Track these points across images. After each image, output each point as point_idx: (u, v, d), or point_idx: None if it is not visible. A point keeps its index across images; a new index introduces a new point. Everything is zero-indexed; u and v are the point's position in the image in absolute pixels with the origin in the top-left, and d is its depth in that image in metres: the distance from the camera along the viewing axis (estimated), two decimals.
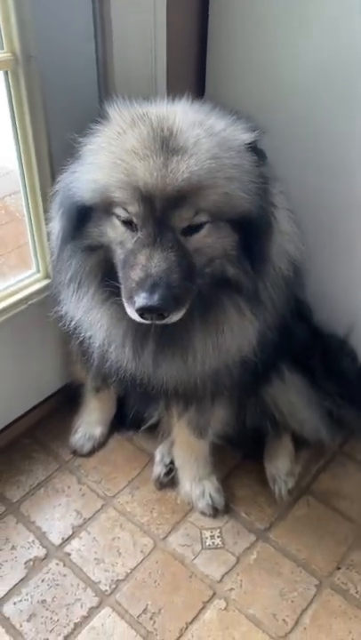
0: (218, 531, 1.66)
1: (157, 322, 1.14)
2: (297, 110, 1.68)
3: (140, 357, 1.34)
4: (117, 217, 1.15)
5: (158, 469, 1.78)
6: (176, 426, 1.72)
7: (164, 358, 1.33)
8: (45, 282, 1.71)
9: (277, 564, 1.59)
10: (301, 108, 1.67)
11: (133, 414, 1.81)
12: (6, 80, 1.39)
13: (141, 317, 1.13)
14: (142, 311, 1.10)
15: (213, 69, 1.79)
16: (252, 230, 1.17)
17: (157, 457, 1.81)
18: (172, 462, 1.78)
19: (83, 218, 1.21)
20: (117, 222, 1.16)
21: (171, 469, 1.77)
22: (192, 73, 1.79)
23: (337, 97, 1.60)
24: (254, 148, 1.18)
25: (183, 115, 1.16)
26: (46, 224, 1.52)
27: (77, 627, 1.45)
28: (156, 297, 1.08)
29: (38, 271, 1.73)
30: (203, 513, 1.70)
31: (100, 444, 1.89)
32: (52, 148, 1.47)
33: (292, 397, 1.74)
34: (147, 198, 1.09)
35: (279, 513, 1.71)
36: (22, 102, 1.40)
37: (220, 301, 1.27)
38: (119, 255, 1.18)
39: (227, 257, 1.20)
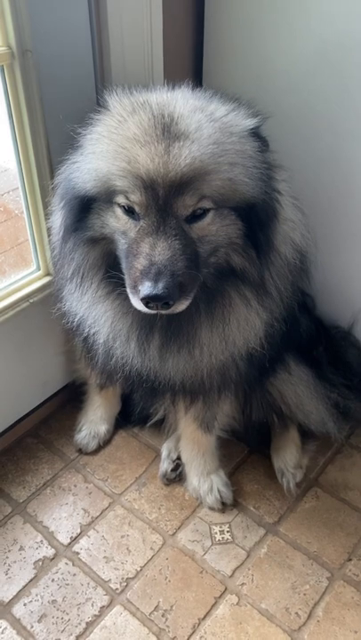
0: (227, 525, 1.65)
1: (163, 311, 1.13)
2: (296, 97, 1.66)
3: (147, 352, 1.32)
4: (120, 206, 1.14)
5: (165, 465, 1.77)
6: (182, 421, 1.71)
7: (171, 352, 1.32)
8: (46, 279, 1.70)
9: (288, 557, 1.58)
10: (301, 95, 1.65)
11: (139, 410, 1.80)
12: (2, 75, 1.37)
13: (146, 307, 1.11)
14: (147, 300, 1.09)
15: (211, 58, 1.77)
16: (256, 217, 1.16)
17: (164, 453, 1.80)
18: (178, 458, 1.77)
19: (84, 209, 1.19)
20: (119, 212, 1.15)
21: (178, 465, 1.76)
22: (189, 62, 1.77)
23: (336, 84, 1.58)
24: (257, 134, 1.17)
25: (184, 101, 1.15)
26: (46, 220, 1.51)
27: (89, 626, 1.44)
28: (160, 285, 1.07)
29: (39, 269, 1.71)
30: (211, 508, 1.68)
31: (106, 442, 1.88)
32: (51, 143, 1.45)
33: (299, 389, 1.73)
34: (149, 186, 1.08)
35: (288, 506, 1.70)
36: (19, 97, 1.38)
37: (225, 292, 1.26)
38: (122, 245, 1.17)
39: (232, 245, 1.19)
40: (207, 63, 1.78)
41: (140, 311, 1.24)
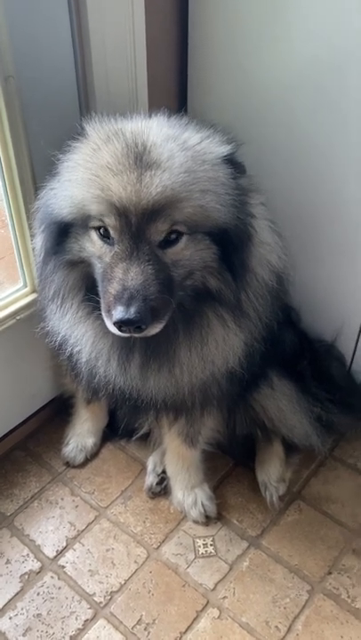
0: (210, 539, 1.68)
1: (135, 335, 1.16)
2: (279, 118, 1.69)
3: (128, 371, 1.35)
4: (95, 230, 1.17)
5: (150, 479, 1.79)
6: (167, 436, 1.73)
7: (151, 371, 1.34)
8: (33, 296, 1.72)
9: (270, 570, 1.61)
10: (284, 115, 1.68)
11: (124, 425, 1.82)
12: None
13: (119, 330, 1.14)
14: (120, 324, 1.12)
15: (195, 79, 1.80)
16: (230, 242, 1.19)
17: (149, 466, 1.82)
18: (164, 471, 1.79)
19: (63, 233, 1.23)
20: (95, 237, 1.18)
21: (163, 478, 1.79)
22: (174, 84, 1.80)
23: (318, 103, 1.61)
24: (231, 161, 1.19)
25: (158, 129, 1.18)
26: (31, 238, 1.53)
27: (73, 639, 1.46)
28: (133, 310, 1.09)
29: (25, 286, 1.74)
30: (195, 521, 1.71)
31: (93, 455, 1.90)
32: (35, 166, 1.48)
33: (282, 404, 1.75)
34: (122, 213, 1.11)
35: (271, 519, 1.73)
36: (2, 122, 1.41)
37: (203, 313, 1.29)
38: (98, 269, 1.20)
39: (207, 269, 1.22)
40: (192, 83, 1.81)
41: None
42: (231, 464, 1.88)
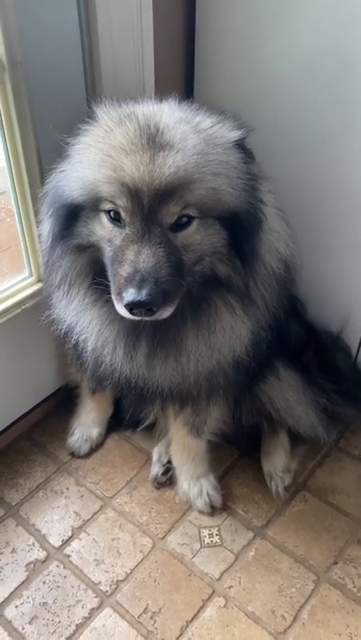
0: (216, 529, 1.68)
1: (146, 318, 1.15)
2: (286, 107, 1.68)
3: (134, 360, 1.35)
4: (106, 213, 1.16)
5: (156, 469, 1.79)
6: (173, 426, 1.73)
7: (158, 359, 1.34)
8: (38, 285, 1.71)
9: (275, 560, 1.60)
10: (291, 104, 1.67)
11: (130, 415, 1.82)
12: None
13: (130, 313, 1.13)
14: (131, 306, 1.11)
15: (202, 68, 1.79)
16: (241, 227, 1.18)
17: (155, 456, 1.82)
18: (169, 461, 1.79)
19: (72, 217, 1.22)
20: (105, 219, 1.17)
21: (168, 469, 1.78)
22: (180, 72, 1.79)
23: (325, 93, 1.60)
24: (241, 146, 1.19)
25: (170, 113, 1.17)
26: (37, 226, 1.53)
27: (79, 628, 1.46)
28: (144, 292, 1.09)
29: (31, 275, 1.73)
30: (201, 511, 1.71)
31: (98, 445, 1.90)
32: (42, 152, 1.47)
33: (288, 394, 1.75)
34: (134, 193, 1.10)
35: (276, 509, 1.73)
36: (9, 108, 1.40)
37: (211, 301, 1.28)
38: (108, 253, 1.19)
39: (216, 254, 1.21)
40: (198, 72, 1.80)
41: (126, 319, 1.26)
42: (236, 455, 1.88)
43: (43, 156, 1.46)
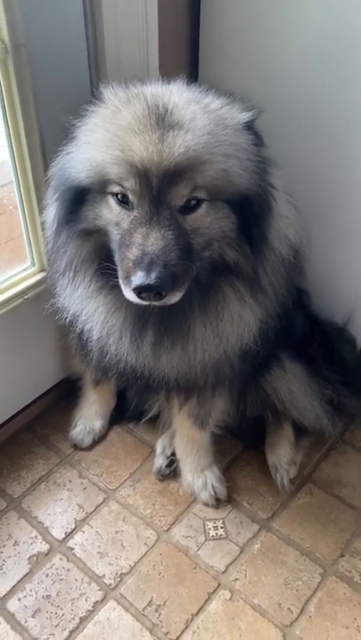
0: (221, 521, 1.66)
1: (155, 302, 1.12)
2: (295, 91, 1.64)
3: (140, 349, 1.32)
4: (113, 195, 1.14)
5: (160, 461, 1.77)
6: (177, 417, 1.71)
7: (165, 348, 1.32)
8: (41, 275, 1.69)
9: (281, 553, 1.59)
10: (299, 88, 1.63)
11: (134, 406, 1.80)
12: None
13: (139, 297, 1.11)
14: (139, 290, 1.08)
15: (207, 50, 1.75)
16: (250, 211, 1.16)
17: (158, 449, 1.80)
18: (173, 454, 1.77)
19: (78, 201, 1.19)
20: (113, 202, 1.15)
21: (172, 461, 1.76)
22: (185, 55, 1.75)
23: (336, 76, 1.56)
24: (251, 128, 1.17)
25: (179, 93, 1.15)
26: (40, 214, 1.50)
27: (83, 621, 1.44)
28: (153, 275, 1.06)
29: (33, 264, 1.71)
30: (205, 504, 1.69)
31: (101, 437, 1.88)
32: (45, 137, 1.44)
33: (293, 386, 1.73)
34: (143, 174, 1.08)
35: (282, 502, 1.71)
36: (12, 92, 1.37)
37: (219, 288, 1.26)
38: (115, 236, 1.17)
39: (225, 239, 1.19)
40: (203, 56, 1.76)
41: (132, 306, 1.24)
42: (240, 447, 1.86)
43: (46, 139, 1.43)
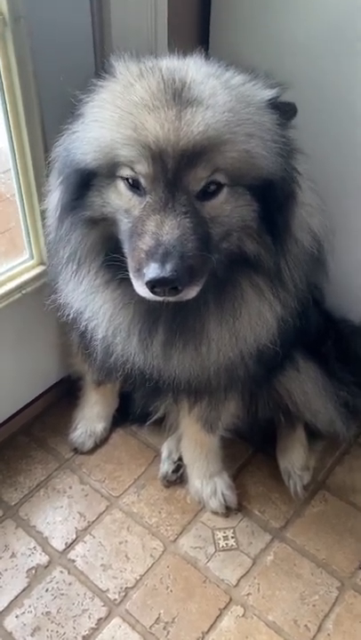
0: (231, 531, 1.57)
1: (170, 298, 1.02)
2: (310, 73, 1.53)
3: (149, 349, 1.22)
4: (123, 179, 1.03)
5: (166, 466, 1.68)
6: (184, 420, 1.62)
7: (176, 349, 1.22)
8: (40, 269, 1.59)
9: (296, 564, 1.50)
10: (314, 70, 1.52)
11: (138, 408, 1.70)
12: None
13: (152, 292, 1.00)
14: (153, 284, 0.98)
15: (217, 29, 1.65)
16: (274, 198, 1.06)
17: (164, 453, 1.71)
18: (180, 459, 1.68)
19: (84, 185, 1.08)
20: (123, 187, 1.04)
21: (179, 466, 1.67)
22: (195, 28, 1.65)
23: (353, 59, 1.46)
24: (277, 106, 1.06)
25: (196, 67, 1.05)
26: (40, 203, 1.40)
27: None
28: (168, 267, 0.96)
29: (32, 257, 1.61)
30: (215, 512, 1.60)
31: (103, 441, 1.78)
32: (45, 117, 1.34)
33: (307, 387, 1.64)
34: (157, 156, 0.97)
35: (295, 510, 1.62)
36: (11, 67, 1.26)
37: (237, 283, 1.16)
38: (125, 225, 1.06)
39: (245, 230, 1.09)
40: (214, 34, 1.66)
41: (142, 303, 1.14)
42: (250, 451, 1.77)
43: (46, 120, 1.33)
